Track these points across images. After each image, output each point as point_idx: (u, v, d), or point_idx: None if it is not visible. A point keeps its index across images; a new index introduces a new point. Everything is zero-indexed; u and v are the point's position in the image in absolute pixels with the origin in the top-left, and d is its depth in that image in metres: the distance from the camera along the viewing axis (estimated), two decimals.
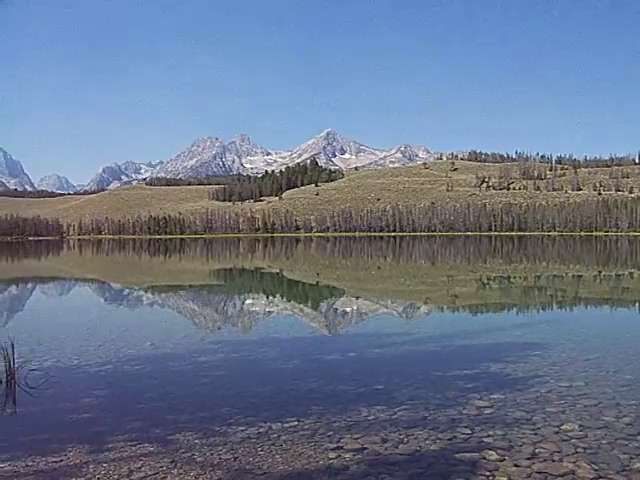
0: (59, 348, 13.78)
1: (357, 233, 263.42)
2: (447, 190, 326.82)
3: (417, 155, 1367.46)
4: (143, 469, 6.76)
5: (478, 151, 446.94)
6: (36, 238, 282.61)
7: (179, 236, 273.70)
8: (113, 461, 6.99)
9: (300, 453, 7.18)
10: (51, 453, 7.26)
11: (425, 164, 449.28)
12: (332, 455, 7.13)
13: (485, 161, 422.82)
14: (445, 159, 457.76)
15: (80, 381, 10.76)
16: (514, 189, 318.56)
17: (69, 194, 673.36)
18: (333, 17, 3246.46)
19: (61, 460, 7.05)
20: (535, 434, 7.80)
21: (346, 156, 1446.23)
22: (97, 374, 11.29)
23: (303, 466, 6.81)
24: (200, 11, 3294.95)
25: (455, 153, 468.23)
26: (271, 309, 22.61)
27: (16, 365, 10.58)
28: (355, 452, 7.22)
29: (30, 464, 6.98)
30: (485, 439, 7.62)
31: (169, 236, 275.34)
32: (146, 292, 31.20)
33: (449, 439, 7.63)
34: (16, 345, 10.67)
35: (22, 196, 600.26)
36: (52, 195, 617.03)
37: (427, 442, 7.52)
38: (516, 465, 6.82)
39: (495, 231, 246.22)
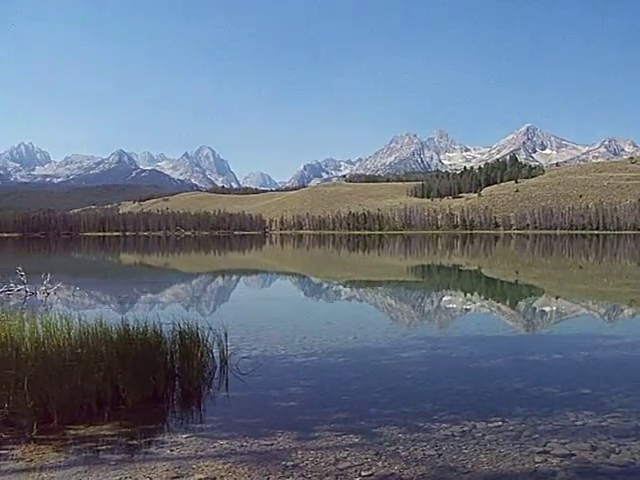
0: (266, 338, 14.38)
1: (558, 231, 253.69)
2: None
3: (623, 149, 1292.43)
4: (348, 459, 6.91)
5: None
6: (241, 232, 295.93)
7: (378, 232, 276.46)
8: (320, 449, 7.21)
9: (505, 454, 7.05)
10: (262, 436, 7.61)
11: (632, 158, 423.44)
12: (538, 459, 6.91)
13: None
14: None
15: (286, 370, 11.17)
16: None
17: (271, 190, 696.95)
18: (529, 11, 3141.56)
19: (272, 444, 7.37)
20: None
21: (547, 152, 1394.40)
22: (302, 365, 11.68)
23: (508, 468, 6.67)
24: (406, 9, 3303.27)
25: None
26: (469, 306, 22.39)
27: (228, 352, 11.17)
28: (562, 458, 6.96)
29: (244, 444, 7.37)
30: None
31: (368, 232, 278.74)
32: (345, 286, 31.84)
33: None
34: (228, 333, 11.24)
35: (229, 193, 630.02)
36: (256, 192, 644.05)
37: None
38: None
39: None
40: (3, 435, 7.31)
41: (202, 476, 6.43)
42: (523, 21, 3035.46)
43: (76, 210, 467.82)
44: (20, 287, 23.70)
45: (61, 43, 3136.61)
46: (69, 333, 9.56)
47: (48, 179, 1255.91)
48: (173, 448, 7.26)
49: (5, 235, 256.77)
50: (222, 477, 6.40)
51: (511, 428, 7.93)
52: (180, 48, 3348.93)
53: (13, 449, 7.13)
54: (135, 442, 7.48)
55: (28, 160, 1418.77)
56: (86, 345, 9.21)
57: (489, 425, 8.04)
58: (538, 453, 7.09)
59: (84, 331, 9.60)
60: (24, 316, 11.55)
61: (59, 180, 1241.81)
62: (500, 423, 8.12)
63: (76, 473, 6.47)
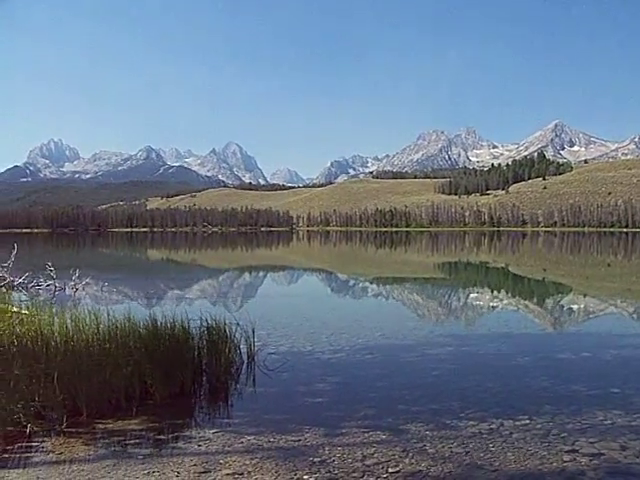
0: (293, 334, 14.38)
1: (586, 228, 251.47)
2: None
3: None
4: (376, 455, 6.90)
5: None
6: (268, 229, 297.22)
7: (405, 229, 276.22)
8: (347, 445, 7.20)
9: (533, 453, 6.98)
10: (289, 432, 7.63)
11: None
12: (566, 458, 6.84)
13: None
14: None
15: (314, 367, 11.18)
16: None
17: (299, 187, 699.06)
18: (559, 8, 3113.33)
19: (299, 440, 7.37)
20: None
21: (575, 148, 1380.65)
22: (329, 361, 11.68)
23: (536, 467, 6.61)
24: (436, 4, 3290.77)
25: None
26: (496, 304, 22.25)
27: (256, 348, 11.21)
28: (591, 457, 6.88)
29: (272, 440, 7.38)
30: None
31: (395, 229, 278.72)
32: (372, 283, 31.82)
33: None
34: (255, 329, 11.28)
35: (256, 189, 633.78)
36: (283, 188, 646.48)
37: None
38: None
39: None
40: (34, 428, 7.39)
41: (229, 471, 6.47)
42: (553, 18, 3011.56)
43: (104, 206, 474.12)
44: (49, 282, 23.93)
45: (88, 40, 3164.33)
46: (98, 328, 9.67)
47: (77, 175, 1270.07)
48: (200, 443, 7.30)
49: (35, 231, 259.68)
50: (249, 472, 6.43)
51: (539, 426, 7.86)
52: (209, 44, 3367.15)
53: (44, 442, 7.22)
54: (163, 437, 7.53)
55: (57, 156, 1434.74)
56: (115, 340, 9.30)
57: (517, 423, 7.98)
58: (566, 452, 7.01)
59: (112, 326, 9.70)
60: (53, 311, 11.66)
61: (87, 176, 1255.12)
62: (528, 421, 8.05)
63: (105, 466, 6.53)
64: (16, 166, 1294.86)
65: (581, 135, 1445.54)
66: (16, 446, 7.04)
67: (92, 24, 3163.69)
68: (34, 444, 7.13)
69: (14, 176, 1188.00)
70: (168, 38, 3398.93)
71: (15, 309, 13.86)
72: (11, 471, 6.45)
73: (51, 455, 6.85)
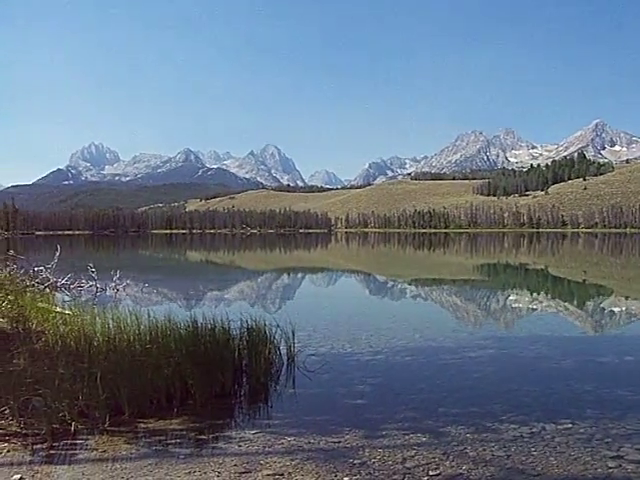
0: (333, 336, 14.35)
1: (628, 229, 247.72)
2: None
3: None
4: (416, 458, 6.85)
5: None
6: (306, 231, 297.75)
7: (443, 230, 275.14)
8: (387, 447, 7.16)
9: (576, 458, 6.86)
10: (329, 434, 7.60)
11: None
12: (611, 464, 6.69)
13: None
14: None
15: (353, 368, 11.14)
16: None
17: (337, 189, 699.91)
18: (593, 6, 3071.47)
19: (339, 441, 7.34)
20: None
21: (616, 148, 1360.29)
22: (369, 363, 11.63)
23: (579, 472, 6.49)
24: (472, 6, 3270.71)
25: None
26: (536, 306, 22.03)
27: (295, 349, 11.24)
28: (637, 464, 6.70)
29: (312, 441, 7.37)
30: None
31: (434, 230, 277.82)
32: (410, 285, 31.74)
33: None
34: (295, 331, 11.31)
35: (294, 191, 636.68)
36: (321, 190, 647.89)
37: None
38: None
39: None
40: (78, 426, 7.50)
41: (270, 472, 6.47)
42: (589, 16, 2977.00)
43: (144, 208, 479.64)
44: (91, 283, 24.24)
45: (128, 43, 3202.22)
46: (139, 329, 9.80)
47: (117, 178, 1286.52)
48: (241, 444, 7.32)
49: (77, 232, 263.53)
50: (290, 473, 6.43)
51: (582, 431, 7.73)
52: (245, 47, 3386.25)
53: (87, 439, 7.30)
54: (203, 437, 7.57)
55: (98, 159, 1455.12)
56: (155, 341, 9.41)
57: (558, 427, 7.85)
58: (611, 458, 6.86)
59: (153, 327, 9.82)
60: (95, 311, 11.83)
61: (127, 179, 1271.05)
62: (570, 425, 7.92)
63: (147, 465, 6.59)
64: (59, 169, 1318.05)
65: (622, 134, 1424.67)
66: (61, 443, 7.13)
67: (130, 29, 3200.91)
68: (78, 441, 7.21)
69: (57, 179, 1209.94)
70: (208, 40, 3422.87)
71: (59, 309, 14.10)
72: (57, 467, 6.54)
73: (95, 452, 6.93)
